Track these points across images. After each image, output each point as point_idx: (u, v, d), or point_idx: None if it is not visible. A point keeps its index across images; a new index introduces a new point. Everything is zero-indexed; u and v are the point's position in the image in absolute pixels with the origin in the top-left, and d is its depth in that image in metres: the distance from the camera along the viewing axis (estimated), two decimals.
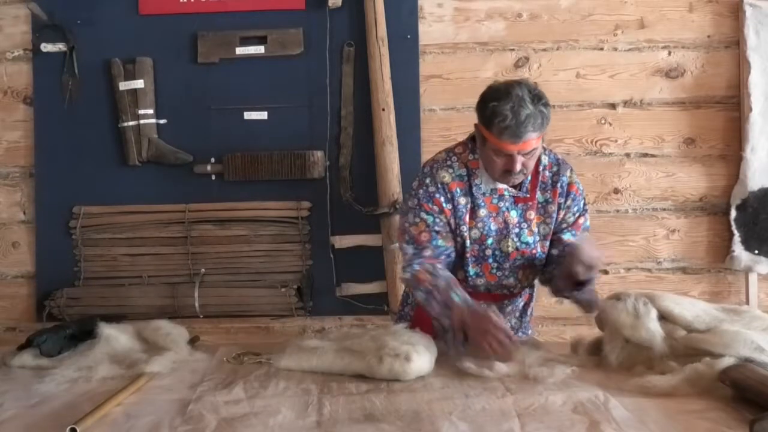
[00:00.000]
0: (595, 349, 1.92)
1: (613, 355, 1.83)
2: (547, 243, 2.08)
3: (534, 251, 2.07)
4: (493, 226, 2.03)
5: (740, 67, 3.01)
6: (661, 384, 1.62)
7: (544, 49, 3.06)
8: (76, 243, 3.02)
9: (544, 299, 3.08)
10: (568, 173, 2.07)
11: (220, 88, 3.02)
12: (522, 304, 2.24)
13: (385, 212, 2.93)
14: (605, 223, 3.09)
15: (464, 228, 2.01)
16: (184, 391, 1.70)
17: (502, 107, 1.85)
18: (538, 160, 2.02)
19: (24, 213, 3.09)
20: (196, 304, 2.97)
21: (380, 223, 2.96)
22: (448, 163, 2.03)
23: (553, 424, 1.45)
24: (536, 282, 2.22)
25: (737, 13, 3.01)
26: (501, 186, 2.01)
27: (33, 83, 3.05)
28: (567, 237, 2.06)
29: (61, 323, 2.34)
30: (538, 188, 2.04)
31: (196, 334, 2.33)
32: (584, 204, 2.11)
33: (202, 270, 3.03)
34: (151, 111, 3.01)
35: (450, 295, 1.93)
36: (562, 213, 2.05)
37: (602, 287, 3.04)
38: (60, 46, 3.01)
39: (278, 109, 3.02)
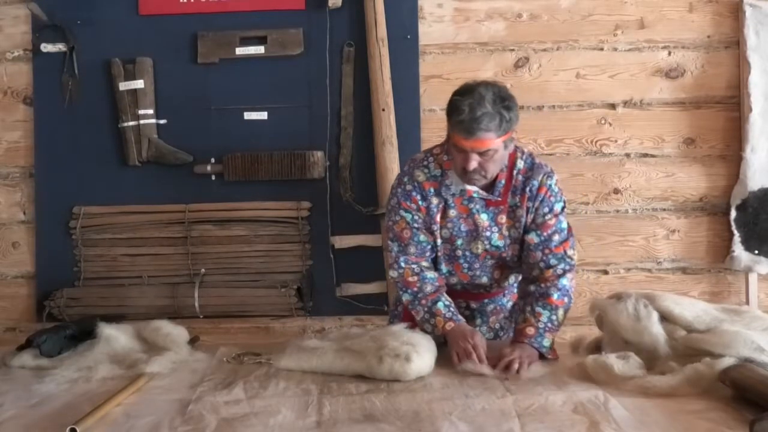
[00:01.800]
0: (595, 349, 1.92)
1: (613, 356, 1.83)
2: (518, 245, 2.09)
3: (504, 254, 2.09)
4: (463, 227, 2.05)
5: (740, 67, 3.01)
6: (661, 384, 1.62)
7: (544, 49, 3.06)
8: (76, 243, 3.02)
9: None
10: (540, 177, 2.04)
11: (220, 88, 3.02)
12: (509, 304, 2.25)
13: (385, 212, 2.93)
14: (605, 223, 3.09)
15: (435, 227, 2.05)
16: (184, 391, 1.70)
17: (461, 102, 1.89)
18: (512, 165, 2.04)
19: (24, 213, 3.09)
20: (196, 305, 2.97)
21: (380, 223, 2.96)
22: (425, 163, 2.07)
23: (553, 425, 1.46)
24: None
25: (737, 13, 3.01)
26: (470, 188, 2.02)
27: (33, 83, 3.05)
28: (531, 236, 2.04)
29: (61, 323, 2.34)
30: (510, 192, 2.04)
31: (196, 334, 2.33)
32: (561, 207, 2.06)
33: (202, 270, 3.03)
34: (151, 111, 3.01)
35: (435, 303, 2.00)
36: (530, 216, 2.04)
37: (602, 287, 3.06)
38: (60, 46, 3.01)
39: (278, 109, 3.02)
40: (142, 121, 2.99)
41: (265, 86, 3.02)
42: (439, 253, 2.09)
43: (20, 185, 3.08)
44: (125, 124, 3.00)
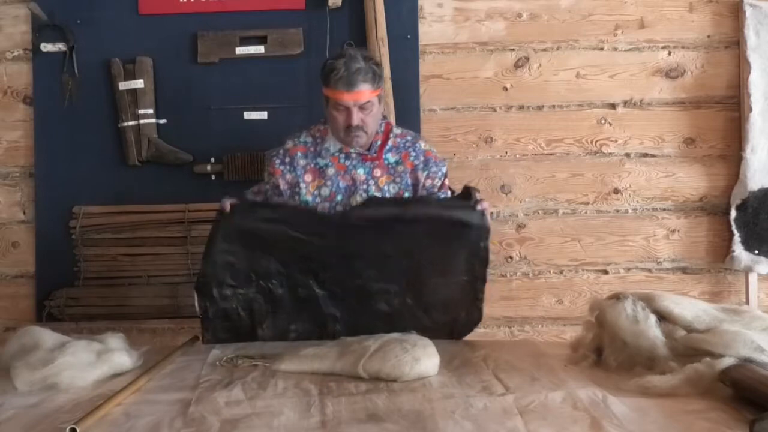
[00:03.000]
0: (596, 349, 1.92)
1: (612, 357, 1.83)
2: None
3: None
4: (342, 184, 2.28)
5: (740, 67, 3.01)
6: (661, 384, 1.62)
7: (544, 49, 3.06)
8: (76, 243, 3.01)
9: (544, 299, 3.10)
10: (421, 143, 2.35)
11: (220, 88, 3.02)
12: None
13: None
14: (605, 223, 3.09)
15: (303, 186, 2.28)
16: (183, 392, 1.70)
17: (336, 63, 2.18)
18: (389, 130, 2.33)
19: (24, 213, 3.09)
20: (196, 305, 2.96)
21: None
22: (296, 134, 2.37)
23: (555, 421, 1.46)
24: None
25: (737, 13, 3.01)
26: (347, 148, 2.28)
27: (33, 83, 3.04)
28: (428, 187, 2.32)
29: None
30: (386, 150, 2.30)
31: (195, 335, 2.33)
32: (446, 169, 2.37)
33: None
34: (151, 111, 3.00)
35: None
36: (423, 176, 2.30)
37: (602, 287, 3.06)
38: (60, 46, 3.01)
39: (278, 109, 3.02)
40: (142, 121, 2.99)
41: (265, 86, 3.02)
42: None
43: (20, 185, 3.08)
44: (125, 124, 2.99)
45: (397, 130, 2.37)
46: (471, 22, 3.06)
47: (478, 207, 2.14)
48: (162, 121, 3.02)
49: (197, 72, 3.02)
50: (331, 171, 2.28)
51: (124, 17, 3.02)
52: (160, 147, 3.00)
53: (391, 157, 2.30)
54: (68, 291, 2.99)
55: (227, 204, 2.17)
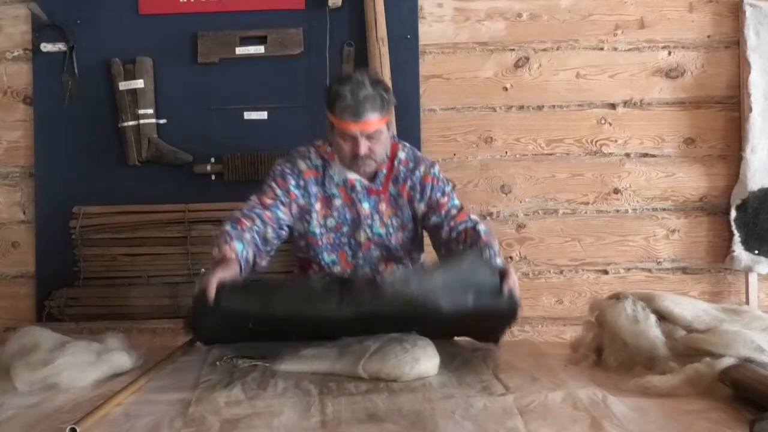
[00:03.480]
0: (596, 349, 1.92)
1: (612, 357, 1.83)
2: (404, 234, 2.17)
3: (387, 242, 2.16)
4: (348, 216, 2.14)
5: (740, 67, 3.01)
6: (661, 384, 1.62)
7: (544, 49, 3.06)
8: (76, 243, 3.01)
9: (544, 299, 3.10)
10: (422, 168, 2.15)
11: (220, 88, 3.02)
12: None
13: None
14: (605, 223, 3.09)
15: (315, 216, 2.12)
16: (183, 392, 1.70)
17: (342, 89, 1.98)
18: (394, 154, 2.15)
19: (24, 213, 3.09)
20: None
21: None
22: (306, 154, 2.16)
23: (555, 421, 1.46)
24: None
25: (737, 13, 3.01)
26: (352, 176, 2.11)
27: (33, 83, 3.04)
28: (433, 220, 2.14)
29: None
30: (390, 181, 2.13)
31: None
32: (450, 188, 2.19)
33: (202, 270, 3.01)
34: (151, 111, 3.00)
35: (239, 241, 1.97)
36: (422, 205, 2.14)
37: (602, 287, 3.06)
38: (60, 46, 3.01)
39: (278, 109, 3.02)
40: (142, 121, 2.99)
41: (265, 86, 3.02)
42: (320, 243, 2.15)
43: (20, 185, 3.08)
44: (125, 124, 2.99)
45: (402, 154, 2.17)
46: (471, 22, 3.06)
47: (506, 289, 1.80)
48: (162, 121, 3.02)
49: (197, 72, 3.02)
50: (338, 202, 2.14)
51: (124, 17, 3.02)
52: (160, 147, 3.00)
53: (393, 189, 2.15)
54: (68, 291, 2.99)
55: (212, 287, 1.78)
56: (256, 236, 2.04)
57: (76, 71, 3.01)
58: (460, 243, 2.08)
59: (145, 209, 3.02)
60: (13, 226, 3.09)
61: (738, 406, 1.50)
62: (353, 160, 2.04)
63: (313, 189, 2.12)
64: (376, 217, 2.13)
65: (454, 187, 2.20)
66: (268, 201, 2.11)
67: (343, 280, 1.86)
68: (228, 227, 2.03)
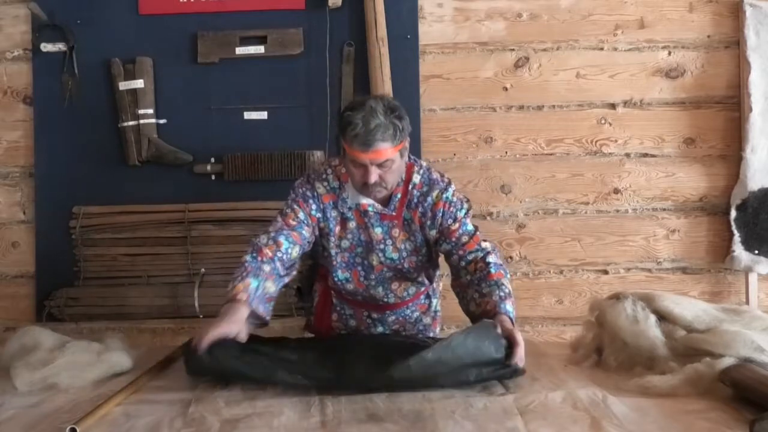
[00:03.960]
0: (596, 349, 1.92)
1: (612, 357, 1.83)
2: (417, 258, 2.13)
3: (400, 266, 2.13)
4: (363, 238, 2.11)
5: (740, 67, 3.01)
6: (661, 384, 1.62)
7: (544, 49, 3.06)
8: (76, 243, 3.02)
9: (544, 299, 3.10)
10: (435, 193, 2.07)
11: (220, 88, 3.02)
12: (415, 314, 2.26)
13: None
14: (605, 223, 3.09)
15: (332, 239, 2.10)
16: (183, 392, 1.70)
17: (354, 116, 1.91)
18: (409, 177, 2.07)
19: (24, 213, 3.09)
20: (196, 304, 2.97)
21: None
22: (324, 176, 2.11)
23: (555, 421, 1.46)
24: (435, 298, 2.28)
25: (737, 13, 3.01)
26: (364, 201, 2.06)
27: (33, 83, 3.04)
28: (443, 247, 2.09)
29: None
30: (405, 206, 2.08)
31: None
32: (464, 212, 2.10)
33: (202, 270, 3.02)
34: (151, 111, 3.01)
35: (254, 277, 1.92)
36: (433, 232, 2.08)
37: (602, 287, 3.06)
38: (60, 46, 3.01)
39: (278, 109, 3.02)
40: (142, 121, 2.99)
41: (265, 86, 3.02)
42: (335, 262, 2.13)
43: (20, 185, 3.08)
44: (125, 124, 3.00)
45: (416, 177, 2.09)
46: (471, 22, 3.06)
47: (514, 361, 1.73)
48: (162, 121, 3.03)
49: (197, 72, 3.02)
50: (352, 224, 2.10)
51: (124, 17, 3.02)
52: (160, 147, 3.00)
53: (406, 214, 2.10)
54: (68, 291, 2.99)
55: (204, 343, 1.73)
56: (277, 264, 2.00)
57: (76, 71, 3.01)
58: (469, 273, 2.05)
59: (145, 209, 3.02)
60: (13, 226, 3.09)
61: (738, 406, 1.50)
62: (364, 187, 2.00)
63: (332, 213, 2.09)
64: (389, 242, 2.10)
65: (469, 209, 2.12)
66: (293, 222, 2.06)
67: (344, 363, 1.75)
68: (248, 258, 1.99)
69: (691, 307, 1.84)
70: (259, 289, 1.92)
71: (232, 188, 3.02)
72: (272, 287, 1.97)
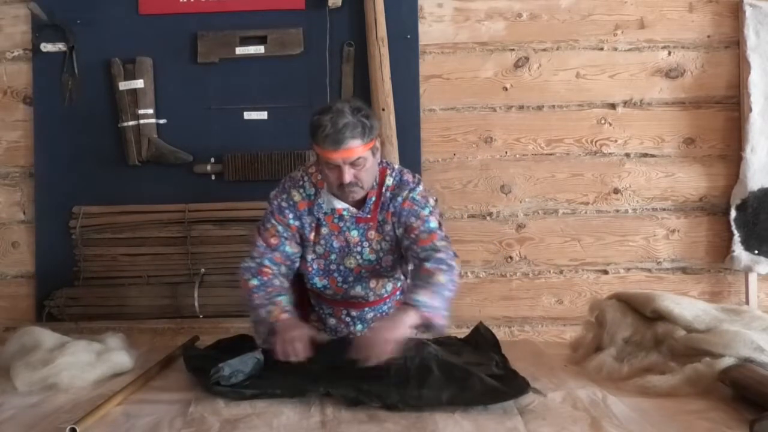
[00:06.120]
0: (596, 349, 1.92)
1: (612, 357, 1.83)
2: (393, 257, 2.16)
3: (377, 266, 2.16)
4: (336, 244, 2.13)
5: (740, 67, 3.01)
6: (661, 384, 1.62)
7: (544, 49, 3.06)
8: (76, 243, 3.02)
9: (544, 299, 3.10)
10: (403, 193, 2.10)
11: (220, 88, 3.02)
12: (391, 311, 2.26)
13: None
14: (605, 223, 3.09)
15: (309, 245, 2.13)
16: (182, 392, 1.70)
17: (322, 119, 1.96)
18: (383, 180, 2.12)
19: (24, 213, 3.09)
20: (196, 304, 2.97)
21: None
22: (300, 183, 2.14)
23: (555, 421, 1.46)
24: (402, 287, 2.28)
25: (737, 13, 3.01)
26: (339, 206, 2.09)
27: (33, 83, 3.04)
28: (405, 244, 2.09)
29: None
30: (379, 209, 2.11)
31: (196, 334, 2.34)
32: (428, 211, 2.09)
33: (202, 270, 3.02)
34: (151, 111, 3.00)
35: (279, 295, 2.03)
36: (400, 230, 2.10)
37: (602, 287, 3.06)
38: (60, 46, 3.01)
39: (278, 109, 3.02)
40: (142, 121, 2.99)
41: (265, 86, 3.02)
42: (311, 269, 2.16)
43: (20, 185, 3.08)
44: (125, 124, 3.00)
45: (389, 180, 2.13)
46: (471, 22, 3.06)
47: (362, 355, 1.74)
48: (162, 121, 3.03)
49: (197, 72, 3.02)
50: (325, 230, 2.12)
51: (124, 17, 3.02)
52: (160, 147, 3.00)
53: (380, 216, 2.12)
54: (68, 291, 2.99)
55: (298, 351, 1.84)
56: (280, 278, 2.10)
57: (76, 71, 3.01)
58: (414, 270, 2.06)
59: (145, 209, 3.02)
60: (13, 226, 3.09)
61: (738, 406, 1.50)
62: (340, 189, 2.03)
63: (308, 219, 2.12)
64: (366, 244, 2.13)
65: (434, 207, 2.13)
66: (274, 241, 2.11)
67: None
68: (256, 283, 2.06)
69: (691, 307, 1.84)
70: (287, 300, 2.04)
71: (232, 188, 3.01)
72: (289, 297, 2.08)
